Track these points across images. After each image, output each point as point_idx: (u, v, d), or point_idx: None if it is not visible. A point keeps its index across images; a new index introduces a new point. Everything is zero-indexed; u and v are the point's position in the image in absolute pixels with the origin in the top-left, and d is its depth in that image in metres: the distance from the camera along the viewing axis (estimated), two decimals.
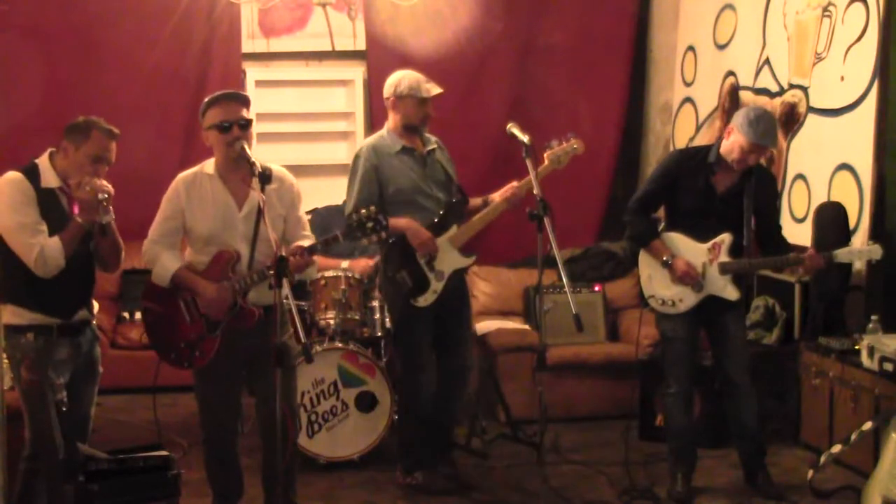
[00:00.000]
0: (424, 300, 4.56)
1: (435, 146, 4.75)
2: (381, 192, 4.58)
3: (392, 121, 4.70)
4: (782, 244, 4.61)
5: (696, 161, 4.59)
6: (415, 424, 4.72)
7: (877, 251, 4.39)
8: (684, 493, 4.64)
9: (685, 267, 4.51)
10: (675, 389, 4.65)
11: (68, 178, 3.76)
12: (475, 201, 4.68)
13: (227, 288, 3.85)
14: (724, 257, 4.51)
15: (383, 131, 4.72)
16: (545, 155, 4.55)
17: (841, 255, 4.44)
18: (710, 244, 4.53)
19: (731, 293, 4.52)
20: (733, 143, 4.45)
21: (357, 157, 4.66)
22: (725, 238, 4.51)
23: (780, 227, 4.72)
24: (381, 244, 4.58)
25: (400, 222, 4.49)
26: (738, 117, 4.47)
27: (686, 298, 4.56)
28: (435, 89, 4.64)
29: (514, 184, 4.57)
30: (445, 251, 4.58)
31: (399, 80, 4.65)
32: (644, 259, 4.68)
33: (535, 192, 4.17)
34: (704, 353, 4.94)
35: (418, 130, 4.67)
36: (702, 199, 4.55)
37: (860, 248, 4.45)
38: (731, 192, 4.54)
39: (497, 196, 4.60)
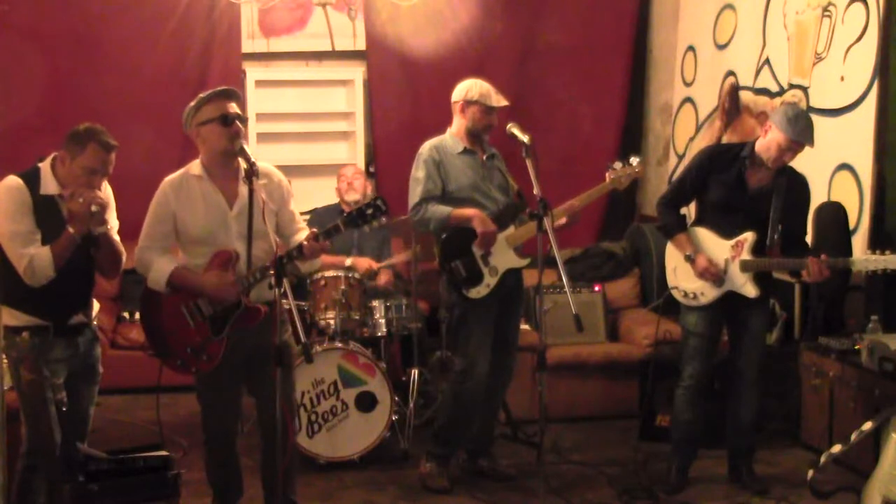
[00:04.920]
0: (476, 292, 4.62)
1: (494, 153, 4.84)
2: (443, 187, 4.67)
3: (456, 125, 4.79)
4: (805, 251, 4.57)
5: (731, 155, 4.63)
6: (457, 414, 4.75)
7: (894, 261, 4.31)
8: (676, 482, 4.72)
9: (705, 264, 4.56)
10: (687, 383, 4.71)
11: (64, 190, 3.75)
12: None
13: (224, 273, 3.82)
14: (746, 255, 4.53)
15: (445, 134, 4.80)
16: (607, 175, 4.71)
17: (858, 262, 4.39)
18: (733, 241, 4.57)
19: (749, 290, 4.54)
20: (771, 140, 4.47)
21: (419, 154, 4.74)
22: (749, 236, 4.53)
23: (805, 234, 4.71)
24: (436, 238, 4.71)
25: (467, 211, 4.61)
26: (777, 115, 4.50)
27: (707, 292, 4.61)
28: (503, 101, 4.72)
29: (573, 201, 4.63)
30: (501, 249, 4.66)
31: (470, 86, 4.73)
32: (670, 251, 4.77)
33: (535, 191, 4.18)
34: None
35: (480, 138, 4.77)
36: (732, 193, 4.58)
37: (877, 258, 4.33)
38: (761, 190, 4.56)
39: (557, 210, 4.61)
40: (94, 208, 3.70)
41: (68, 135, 3.77)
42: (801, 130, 4.41)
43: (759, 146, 4.53)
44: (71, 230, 3.72)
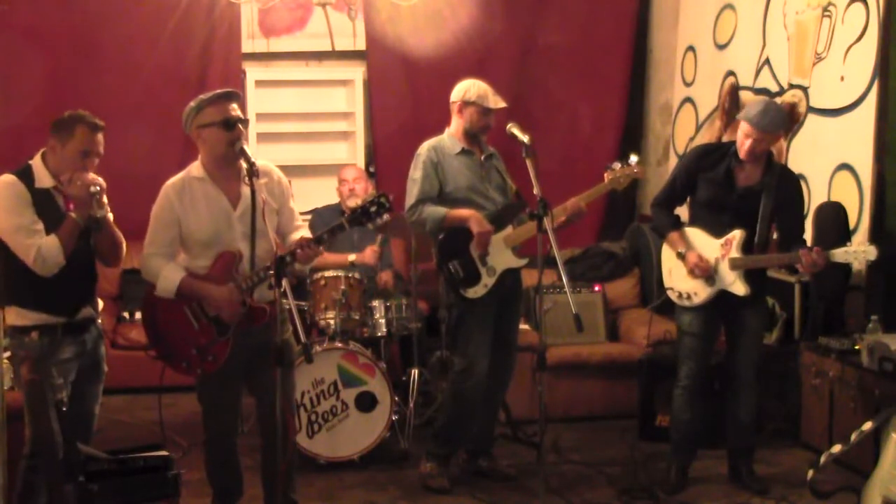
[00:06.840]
0: (474, 292, 4.62)
1: (493, 153, 4.84)
2: (441, 188, 4.68)
3: (454, 125, 4.79)
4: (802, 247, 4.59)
5: (719, 154, 4.66)
6: (457, 414, 4.75)
7: (872, 252, 4.36)
8: (676, 482, 4.72)
9: (696, 259, 4.59)
10: (684, 383, 4.72)
11: (61, 176, 3.77)
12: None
13: (235, 288, 3.82)
14: (735, 253, 4.55)
15: (444, 135, 4.81)
16: (605, 175, 4.71)
17: (837, 255, 4.43)
18: (722, 240, 4.59)
19: (739, 288, 4.55)
20: (738, 130, 4.53)
21: (418, 154, 4.75)
22: (737, 234, 4.55)
23: (802, 232, 4.70)
24: (433, 239, 4.70)
25: (463, 212, 4.61)
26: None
27: (700, 292, 4.62)
28: (500, 103, 4.72)
29: (574, 200, 4.63)
30: (499, 249, 4.65)
31: (468, 87, 4.73)
32: (665, 252, 4.80)
33: (535, 191, 4.18)
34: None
35: (477, 138, 4.77)
36: (720, 191, 4.60)
37: (856, 249, 4.42)
38: (750, 188, 4.57)
39: (557, 209, 4.62)
40: (93, 189, 3.73)
41: (53, 124, 3.82)
42: (754, 114, 4.44)
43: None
44: (73, 215, 3.74)
